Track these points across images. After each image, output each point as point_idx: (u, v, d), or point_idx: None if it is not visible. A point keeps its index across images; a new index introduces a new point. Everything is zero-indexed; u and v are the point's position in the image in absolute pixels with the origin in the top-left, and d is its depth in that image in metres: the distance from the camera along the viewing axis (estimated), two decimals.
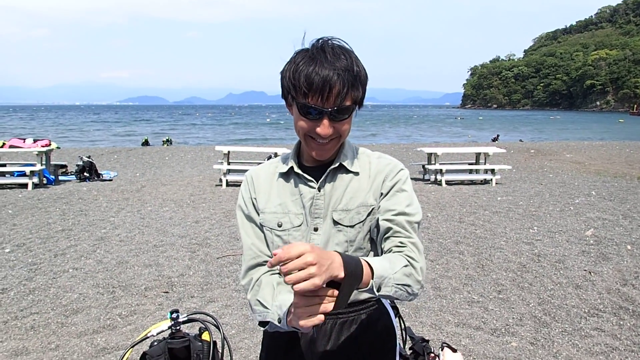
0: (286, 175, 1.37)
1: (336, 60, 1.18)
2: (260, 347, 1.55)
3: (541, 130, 46.85)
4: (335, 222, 1.31)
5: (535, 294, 4.36)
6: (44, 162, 10.14)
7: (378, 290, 1.09)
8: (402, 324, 2.69)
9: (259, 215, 1.37)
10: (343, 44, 1.24)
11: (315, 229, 1.32)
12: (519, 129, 47.34)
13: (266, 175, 1.40)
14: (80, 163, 10.93)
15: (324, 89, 1.16)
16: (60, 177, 10.82)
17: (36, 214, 7.42)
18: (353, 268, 1.02)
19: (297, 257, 0.93)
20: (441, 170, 10.63)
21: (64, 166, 11.55)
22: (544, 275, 4.82)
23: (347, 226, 1.31)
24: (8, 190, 9.48)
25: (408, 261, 1.19)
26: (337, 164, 1.32)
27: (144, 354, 2.20)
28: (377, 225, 1.30)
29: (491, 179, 10.73)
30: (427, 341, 2.80)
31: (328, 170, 1.32)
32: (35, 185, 9.66)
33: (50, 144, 10.56)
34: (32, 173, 9.68)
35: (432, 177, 10.99)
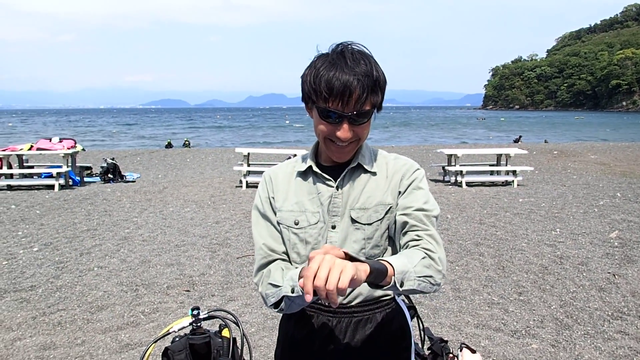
0: (304, 174, 1.40)
1: (356, 66, 1.20)
2: (276, 344, 1.57)
3: (565, 131, 45.99)
4: (353, 220, 1.33)
5: (557, 296, 4.31)
6: (69, 164, 10.40)
7: (401, 286, 1.11)
8: (421, 325, 2.70)
9: (275, 214, 1.40)
10: (362, 49, 1.26)
11: (333, 227, 1.34)
12: (545, 131, 46.54)
13: (284, 174, 1.43)
14: (105, 165, 11.18)
15: (344, 94, 1.19)
16: (85, 179, 11.09)
17: (62, 214, 7.62)
18: (375, 264, 1.05)
19: (317, 266, 0.94)
20: (461, 171, 10.53)
21: (89, 168, 11.83)
22: (566, 278, 4.75)
23: (364, 224, 1.33)
24: (36, 191, 9.75)
25: (426, 253, 1.21)
26: (355, 164, 1.35)
27: (166, 349, 2.26)
28: (395, 222, 1.32)
29: (512, 181, 10.59)
30: (446, 342, 2.80)
31: (346, 170, 1.35)
32: (61, 187, 9.92)
33: (75, 145, 10.82)
34: (59, 175, 9.95)
35: (452, 179, 10.90)
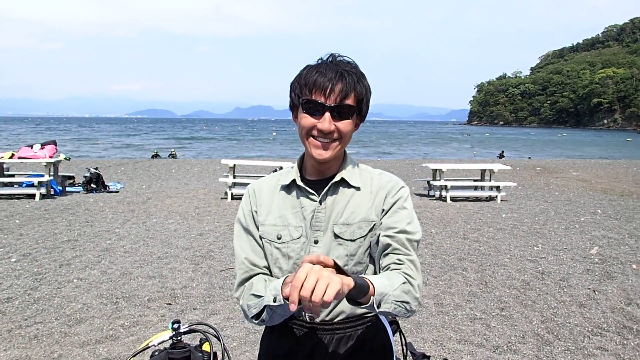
0: (288, 188, 1.39)
1: (341, 65, 1.29)
2: (258, 359, 1.55)
3: (546, 148, 46.76)
4: (336, 236, 1.33)
5: (539, 312, 4.34)
6: (51, 173, 10.25)
7: (378, 307, 1.13)
8: (404, 340, 2.70)
9: (258, 228, 1.39)
10: (350, 59, 1.33)
11: (316, 242, 1.34)
12: (527, 148, 47.27)
13: (268, 187, 1.43)
14: (88, 174, 11.03)
15: (326, 85, 1.24)
16: (68, 188, 10.91)
17: (43, 224, 7.49)
18: (359, 280, 1.07)
19: (305, 276, 0.95)
20: (446, 186, 10.63)
21: (72, 177, 11.66)
22: (548, 293, 4.80)
23: (347, 240, 1.33)
24: (16, 200, 9.57)
25: (406, 278, 1.23)
26: (339, 178, 1.35)
27: None
28: (377, 242, 1.33)
29: (496, 196, 10.71)
30: (428, 357, 2.80)
31: (330, 184, 1.35)
32: (42, 196, 9.75)
33: (56, 149, 10.67)
34: (40, 184, 9.79)
35: (437, 193, 10.98)
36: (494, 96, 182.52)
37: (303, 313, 1.35)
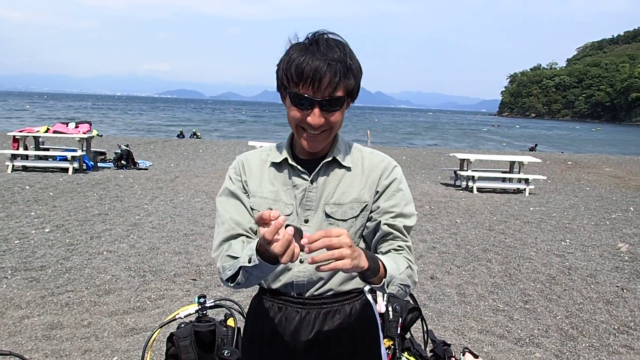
0: (279, 166, 1.38)
1: (329, 52, 1.20)
2: (243, 334, 1.55)
3: (580, 142, 45.44)
4: (327, 215, 1.33)
5: (563, 307, 4.27)
6: (84, 149, 10.52)
7: (387, 288, 1.18)
8: (425, 327, 2.70)
9: (249, 197, 1.37)
10: (337, 38, 1.25)
11: (306, 221, 1.34)
12: (561, 141, 46.06)
13: (257, 162, 1.41)
14: (119, 151, 11.29)
15: (314, 78, 1.18)
16: (99, 164, 11.21)
17: (75, 197, 7.72)
18: (373, 265, 1.11)
19: (336, 236, 0.99)
20: (473, 177, 10.47)
21: (103, 153, 11.95)
22: (574, 289, 4.71)
23: (338, 220, 1.33)
24: (50, 173, 9.89)
25: (408, 264, 1.27)
26: (330, 158, 1.34)
27: (172, 334, 2.29)
28: (376, 227, 1.34)
29: (524, 189, 10.51)
30: (449, 345, 2.80)
31: (321, 164, 1.34)
32: (75, 170, 10.04)
33: (91, 129, 10.93)
34: (73, 158, 10.07)
35: (464, 184, 10.84)
36: (527, 87, 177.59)
37: (291, 290, 1.35)
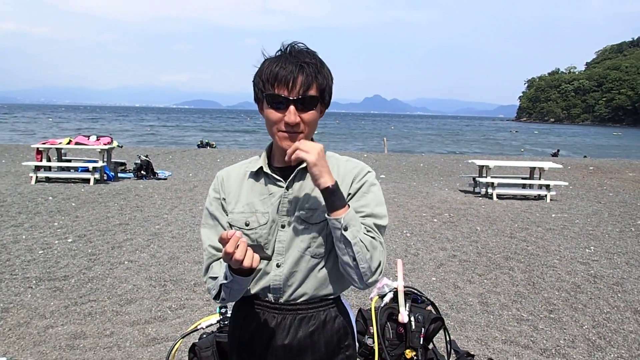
0: (256, 175, 1.45)
1: (300, 56, 1.31)
2: (227, 339, 1.63)
3: (603, 146, 44.58)
4: (302, 220, 1.37)
5: (590, 316, 4.17)
6: (105, 159, 10.70)
7: (345, 230, 1.25)
8: (448, 337, 2.66)
9: (227, 215, 1.45)
10: (308, 48, 1.35)
11: (283, 226, 1.39)
12: (580, 146, 45.27)
13: (236, 175, 1.48)
14: (138, 162, 11.45)
15: (288, 78, 1.27)
16: (119, 174, 11.37)
17: (96, 207, 7.84)
18: (338, 189, 1.27)
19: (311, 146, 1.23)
20: (492, 183, 10.34)
21: (123, 164, 12.13)
22: (600, 298, 4.60)
23: (313, 224, 1.37)
24: (72, 184, 10.07)
25: (374, 237, 1.31)
26: (305, 164, 1.36)
27: (194, 345, 2.29)
28: None
29: (545, 195, 10.33)
30: (473, 356, 2.75)
31: (296, 170, 1.39)
32: (96, 181, 10.21)
33: (112, 142, 11.12)
34: (94, 169, 10.25)
35: (483, 191, 10.71)
36: (545, 92, 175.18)
37: (268, 294, 1.41)
